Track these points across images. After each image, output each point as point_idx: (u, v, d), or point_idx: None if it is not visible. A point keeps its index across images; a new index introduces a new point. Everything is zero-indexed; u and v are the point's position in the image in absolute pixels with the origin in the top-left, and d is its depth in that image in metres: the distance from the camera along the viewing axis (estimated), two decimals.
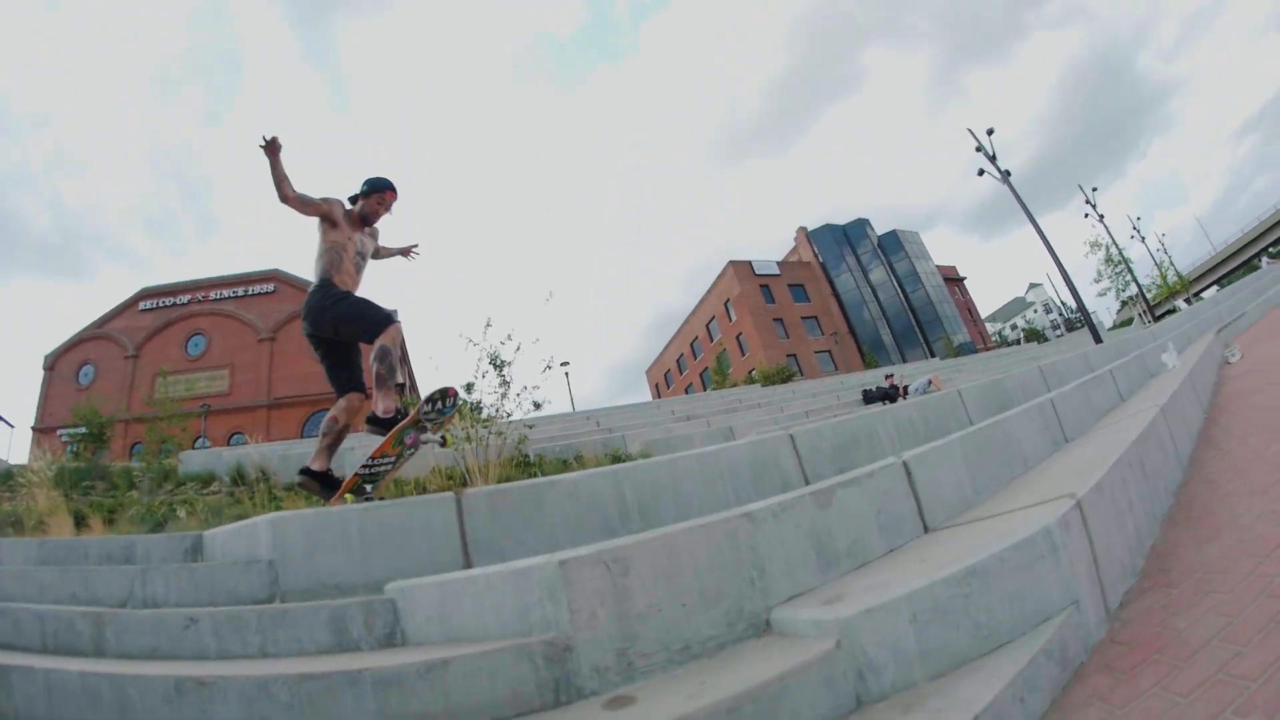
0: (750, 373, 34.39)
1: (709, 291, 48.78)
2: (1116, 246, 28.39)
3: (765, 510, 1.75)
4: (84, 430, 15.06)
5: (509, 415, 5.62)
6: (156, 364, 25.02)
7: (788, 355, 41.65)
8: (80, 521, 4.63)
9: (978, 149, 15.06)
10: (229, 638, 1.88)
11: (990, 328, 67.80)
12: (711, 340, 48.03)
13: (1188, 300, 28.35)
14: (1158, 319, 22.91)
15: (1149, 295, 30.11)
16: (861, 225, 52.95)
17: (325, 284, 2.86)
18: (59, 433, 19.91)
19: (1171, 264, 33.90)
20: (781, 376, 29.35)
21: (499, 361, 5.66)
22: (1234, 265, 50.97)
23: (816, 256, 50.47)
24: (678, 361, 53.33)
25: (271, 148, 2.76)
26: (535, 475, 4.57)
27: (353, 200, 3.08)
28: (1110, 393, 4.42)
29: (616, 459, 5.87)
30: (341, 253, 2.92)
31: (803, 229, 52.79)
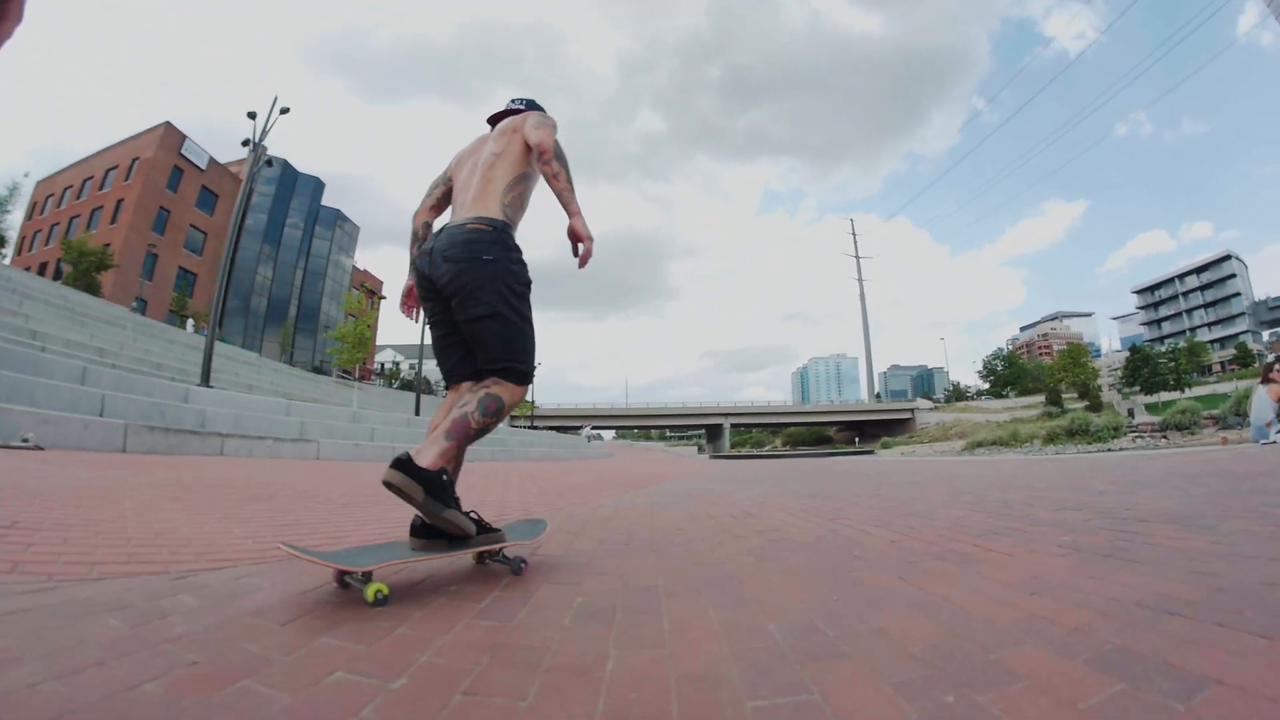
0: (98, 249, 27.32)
1: (129, 139, 38.64)
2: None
3: None
4: None
5: None
6: None
7: (149, 250, 35.59)
8: None
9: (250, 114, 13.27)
10: None
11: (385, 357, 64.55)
12: (102, 188, 37.43)
13: None
14: None
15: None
16: (317, 184, 49.95)
17: (504, 232, 1.65)
18: None
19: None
20: (93, 262, 23.50)
21: None
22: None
23: (252, 178, 44.69)
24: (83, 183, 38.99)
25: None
26: None
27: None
28: None
29: None
30: (527, 195, 1.79)
31: (263, 147, 46.40)
